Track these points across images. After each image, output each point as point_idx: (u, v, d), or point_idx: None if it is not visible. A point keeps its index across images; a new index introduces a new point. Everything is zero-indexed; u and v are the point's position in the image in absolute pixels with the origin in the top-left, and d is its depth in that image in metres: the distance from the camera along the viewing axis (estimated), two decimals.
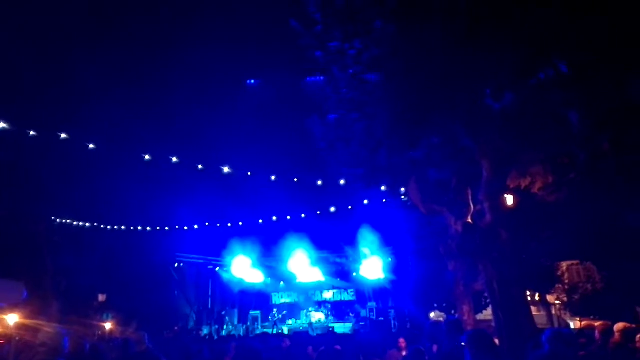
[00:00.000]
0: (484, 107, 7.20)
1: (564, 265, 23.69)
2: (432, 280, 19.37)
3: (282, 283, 25.70)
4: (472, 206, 9.05)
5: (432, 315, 23.54)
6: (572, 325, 21.23)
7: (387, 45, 6.91)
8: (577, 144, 7.26)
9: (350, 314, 24.08)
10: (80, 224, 21.85)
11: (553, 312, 24.26)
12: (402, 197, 14.80)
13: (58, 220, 21.29)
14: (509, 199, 8.29)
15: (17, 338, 9.09)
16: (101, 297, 21.03)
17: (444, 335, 5.27)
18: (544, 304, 23.43)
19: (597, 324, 7.71)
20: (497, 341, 8.14)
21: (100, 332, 17.43)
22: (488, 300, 19.57)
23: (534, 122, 7.16)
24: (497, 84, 7.08)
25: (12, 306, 8.97)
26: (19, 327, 9.20)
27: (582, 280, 23.32)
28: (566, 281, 23.57)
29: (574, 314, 22.81)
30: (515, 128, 7.24)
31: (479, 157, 7.86)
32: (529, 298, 16.30)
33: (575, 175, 7.60)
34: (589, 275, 22.93)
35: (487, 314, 20.00)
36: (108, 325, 18.03)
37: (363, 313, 23.49)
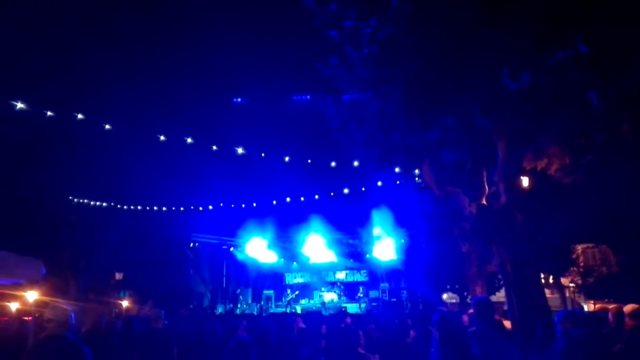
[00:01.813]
0: (500, 87, 7.08)
1: (579, 248, 23.54)
2: (444, 261, 19.39)
3: (294, 264, 25.93)
4: (486, 188, 8.98)
5: (444, 296, 23.62)
6: (585, 308, 21.18)
7: (403, 24, 6.81)
8: (596, 125, 7.13)
9: (357, 296, 24.19)
10: (97, 203, 22.16)
11: (567, 294, 24.20)
12: (416, 179, 14.75)
13: (75, 199, 21.61)
14: (525, 181, 8.20)
15: (37, 315, 9.30)
16: (118, 276, 21.42)
17: (474, 317, 5.24)
18: (558, 287, 23.37)
19: (610, 306, 7.68)
20: (508, 323, 8.17)
21: (117, 310, 17.78)
22: (501, 282, 19.57)
23: (552, 103, 7.03)
24: (514, 64, 6.96)
25: (32, 283, 9.15)
26: (39, 304, 9.41)
27: (597, 263, 23.19)
28: (581, 264, 23.45)
29: (588, 297, 22.74)
30: (532, 108, 7.13)
31: (495, 137, 7.77)
32: (543, 280, 16.25)
33: (592, 157, 7.48)
34: (604, 258, 22.79)
35: (500, 295, 19.99)
36: (125, 303, 18.40)
37: (371, 294, 23.62)
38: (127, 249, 21.28)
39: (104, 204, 22.29)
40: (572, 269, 23.01)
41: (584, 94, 7.09)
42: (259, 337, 4.79)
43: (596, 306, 18.50)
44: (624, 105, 6.98)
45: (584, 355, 2.56)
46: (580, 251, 23.82)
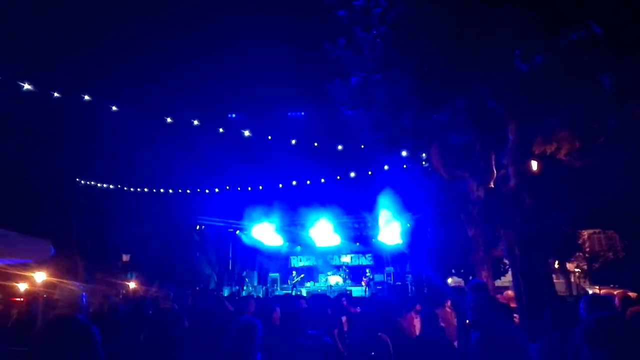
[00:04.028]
0: (512, 69, 6.97)
1: (585, 233, 23.51)
2: (450, 245, 19.38)
3: (298, 247, 26.03)
4: (495, 171, 8.93)
5: (449, 280, 23.64)
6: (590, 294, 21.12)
7: (413, 3, 6.69)
8: (608, 108, 7.03)
9: (366, 279, 24.13)
10: (104, 185, 22.21)
11: (572, 280, 24.21)
12: (423, 162, 14.67)
13: (83, 182, 21.67)
14: (534, 164, 8.12)
15: (45, 295, 9.38)
16: (125, 257, 21.56)
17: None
18: (564, 272, 23.37)
19: (616, 292, 7.66)
20: (515, 305, 8.16)
21: (124, 291, 17.92)
22: (507, 267, 19.58)
23: (564, 85, 6.93)
24: (526, 45, 6.84)
25: (40, 264, 9.22)
26: (47, 285, 9.48)
27: (604, 248, 23.16)
28: (587, 249, 23.43)
29: (594, 283, 22.73)
30: (543, 90, 7.02)
31: (506, 120, 7.68)
32: None
33: (604, 140, 7.39)
34: (611, 244, 22.75)
35: (505, 280, 20.01)
36: (132, 285, 18.55)
37: (376, 278, 23.66)
38: (134, 231, 21.38)
39: (111, 186, 22.35)
40: (577, 254, 22.99)
41: (596, 76, 6.98)
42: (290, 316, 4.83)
43: (601, 292, 18.51)
44: (637, 88, 6.87)
45: (612, 336, 2.51)
46: (586, 236, 23.79)
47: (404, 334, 6.54)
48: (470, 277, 20.02)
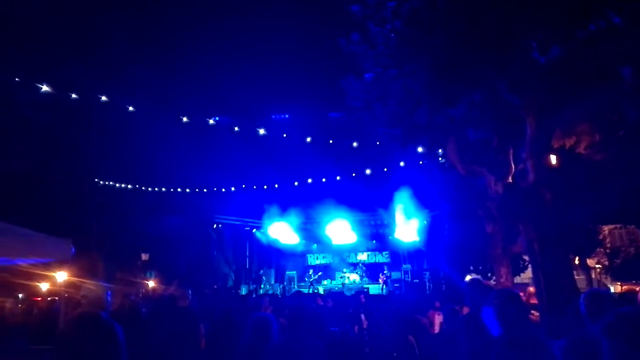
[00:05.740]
0: (529, 61, 6.85)
1: (606, 229, 23.16)
2: (468, 242, 19.20)
3: (314, 245, 26.05)
4: (513, 166, 8.81)
5: (467, 278, 23.42)
6: (612, 290, 20.85)
7: None
8: (628, 100, 6.87)
9: (380, 277, 23.89)
10: (123, 185, 22.47)
11: (593, 276, 23.87)
12: (440, 158, 14.55)
13: (102, 182, 21.94)
14: (553, 159, 7.99)
15: (66, 295, 9.51)
16: (144, 256, 21.74)
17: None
18: (584, 268, 23.04)
19: (638, 288, 7.52)
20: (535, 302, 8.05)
21: (144, 290, 18.10)
22: (526, 263, 19.36)
23: (582, 77, 6.80)
24: (543, 37, 6.72)
25: (61, 264, 9.31)
26: (68, 284, 9.60)
27: (625, 244, 22.82)
28: (608, 245, 23.08)
29: (615, 279, 22.39)
30: (562, 83, 6.90)
31: (524, 113, 7.55)
32: None
33: (624, 133, 7.23)
34: (633, 239, 22.40)
35: (525, 277, 19.79)
36: (151, 283, 18.73)
37: (394, 275, 23.53)
38: (152, 230, 21.58)
39: (130, 186, 22.60)
40: (598, 249, 22.67)
41: (616, 67, 6.84)
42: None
43: (623, 288, 18.22)
44: None
45: (633, 330, 2.45)
46: (607, 232, 23.45)
47: (427, 332, 6.51)
48: (489, 274, 19.84)
